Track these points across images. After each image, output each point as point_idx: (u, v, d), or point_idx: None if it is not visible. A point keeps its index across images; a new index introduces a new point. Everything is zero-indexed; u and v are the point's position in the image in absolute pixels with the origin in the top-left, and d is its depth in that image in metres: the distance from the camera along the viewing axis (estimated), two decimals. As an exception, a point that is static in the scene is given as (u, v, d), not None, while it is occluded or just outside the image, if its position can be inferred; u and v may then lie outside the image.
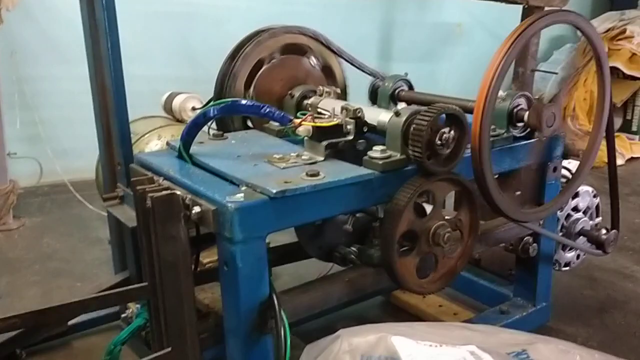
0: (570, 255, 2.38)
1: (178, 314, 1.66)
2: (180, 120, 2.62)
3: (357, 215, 1.96)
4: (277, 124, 2.02)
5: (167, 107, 2.67)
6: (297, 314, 1.58)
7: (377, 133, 1.81)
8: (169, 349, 1.68)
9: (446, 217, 1.76)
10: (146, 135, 2.52)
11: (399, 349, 1.23)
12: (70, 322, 2.19)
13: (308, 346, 1.43)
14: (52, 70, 3.70)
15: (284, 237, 1.91)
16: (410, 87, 2.32)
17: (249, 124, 2.17)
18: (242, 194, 1.50)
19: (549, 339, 1.41)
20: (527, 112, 1.94)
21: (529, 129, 2.01)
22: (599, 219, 2.41)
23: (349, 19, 4.65)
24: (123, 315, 2.01)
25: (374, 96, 2.35)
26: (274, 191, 1.49)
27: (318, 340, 1.41)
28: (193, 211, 1.53)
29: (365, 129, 1.80)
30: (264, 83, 2.09)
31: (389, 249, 1.66)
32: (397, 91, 2.30)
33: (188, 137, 1.78)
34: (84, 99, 3.66)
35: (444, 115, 1.66)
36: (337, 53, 2.24)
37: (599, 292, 2.70)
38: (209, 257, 2.33)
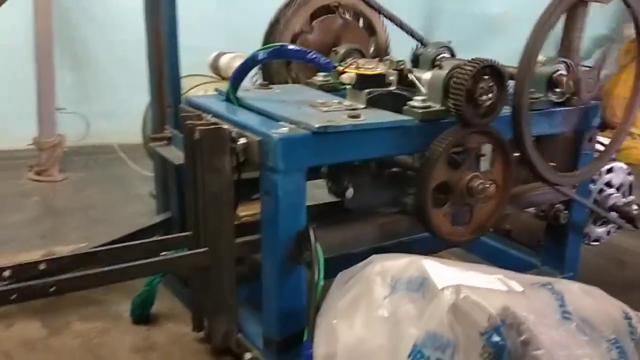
0: (600, 230, 2.40)
1: (218, 243, 1.75)
2: (225, 78, 2.70)
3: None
4: (319, 78, 2.10)
5: (214, 65, 2.76)
6: (331, 249, 1.64)
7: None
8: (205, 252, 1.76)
9: (481, 171, 1.81)
10: (192, 90, 2.62)
11: (429, 270, 1.29)
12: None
13: (341, 273, 1.49)
14: (105, 35, 3.83)
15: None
16: (452, 55, 2.37)
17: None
18: (286, 128, 1.58)
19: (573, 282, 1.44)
20: (566, 77, 1.98)
21: (567, 96, 2.04)
22: (631, 197, 2.43)
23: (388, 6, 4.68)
24: (163, 253, 2.11)
25: (416, 62, 2.40)
26: (317, 126, 1.56)
27: (350, 268, 1.48)
28: (239, 142, 1.62)
29: (407, 80, 1.86)
30: (309, 39, 2.16)
31: (423, 196, 1.71)
32: (439, 57, 2.35)
33: (237, 80, 1.86)
34: (133, 65, 3.79)
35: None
36: (378, 10, 2.30)
37: (627, 273, 2.70)
38: (245, 211, 2.41)
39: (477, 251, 2.49)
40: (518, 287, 1.29)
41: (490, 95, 1.71)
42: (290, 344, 1.62)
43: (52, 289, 1.61)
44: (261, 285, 1.71)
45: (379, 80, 1.83)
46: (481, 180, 1.77)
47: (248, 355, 1.74)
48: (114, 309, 2.06)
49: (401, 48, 2.49)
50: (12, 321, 1.92)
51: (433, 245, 1.96)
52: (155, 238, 1.99)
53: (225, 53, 2.78)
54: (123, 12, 3.61)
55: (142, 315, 2.03)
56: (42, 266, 1.69)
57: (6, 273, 1.65)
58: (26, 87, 3.49)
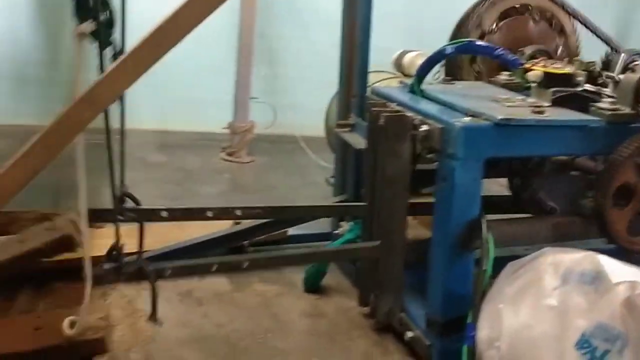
0: None
1: (390, 226, 1.86)
2: (407, 75, 2.81)
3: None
4: (503, 76, 2.13)
5: (398, 63, 2.89)
6: (502, 241, 1.67)
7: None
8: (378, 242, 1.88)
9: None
10: (376, 84, 2.76)
11: (604, 265, 1.28)
12: (289, 233, 2.50)
13: (510, 263, 1.52)
14: (299, 32, 4.15)
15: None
16: (647, 62, 2.26)
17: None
18: (469, 118, 1.65)
19: None
20: None
21: None
22: None
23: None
24: (335, 232, 2.27)
25: (606, 67, 2.32)
26: (499, 117, 1.61)
27: (521, 258, 1.50)
28: (421, 129, 1.71)
29: (596, 82, 1.83)
30: (496, 38, 2.20)
31: (604, 199, 1.68)
32: (632, 64, 2.26)
33: (422, 72, 1.96)
34: (321, 64, 4.03)
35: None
36: (573, 14, 2.26)
37: None
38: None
39: None
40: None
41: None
42: (452, 327, 1.68)
43: (245, 265, 1.87)
44: (424, 272, 1.80)
45: (566, 79, 1.82)
46: (669, 189, 1.69)
47: (410, 334, 1.83)
48: (289, 276, 2.24)
49: (588, 54, 2.42)
50: (204, 275, 2.19)
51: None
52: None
53: (408, 51, 2.90)
54: (320, 11, 3.88)
55: (314, 286, 2.20)
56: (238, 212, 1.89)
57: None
58: (226, 77, 3.91)
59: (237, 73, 3.82)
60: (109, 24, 1.44)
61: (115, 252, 1.65)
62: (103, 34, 1.41)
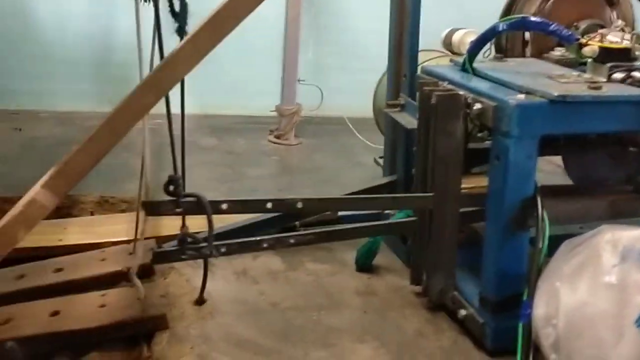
0: None
1: (442, 204, 1.86)
2: (457, 53, 2.78)
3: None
4: (557, 53, 2.09)
5: (447, 41, 2.85)
6: (557, 219, 1.66)
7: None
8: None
9: None
10: (426, 63, 2.74)
11: (668, 242, 1.26)
12: (340, 214, 2.52)
13: (567, 240, 1.51)
14: (342, 20, 4.18)
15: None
16: None
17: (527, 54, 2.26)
18: (523, 95, 1.63)
19: None
20: None
21: None
22: None
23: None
24: (386, 212, 2.28)
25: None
26: (555, 94, 1.59)
27: (578, 236, 1.49)
28: (474, 107, 1.70)
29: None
30: (551, 11, 2.15)
31: (662, 175, 1.65)
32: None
33: (474, 50, 1.95)
34: (366, 49, 4.03)
35: None
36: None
37: None
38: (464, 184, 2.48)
39: None
40: None
41: None
42: (506, 305, 1.68)
43: (292, 241, 1.92)
44: (476, 253, 1.80)
45: (623, 54, 1.78)
46: None
47: (463, 312, 1.84)
48: (340, 256, 2.28)
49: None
50: (258, 255, 2.24)
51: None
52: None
53: (457, 29, 2.86)
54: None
55: (365, 265, 2.22)
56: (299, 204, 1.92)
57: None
58: (274, 61, 3.96)
59: (285, 57, 3.87)
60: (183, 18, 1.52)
61: (182, 238, 1.72)
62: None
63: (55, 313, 1.75)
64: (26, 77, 4.00)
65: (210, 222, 1.73)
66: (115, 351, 1.73)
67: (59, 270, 1.94)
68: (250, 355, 1.70)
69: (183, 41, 1.34)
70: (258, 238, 1.92)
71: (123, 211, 2.53)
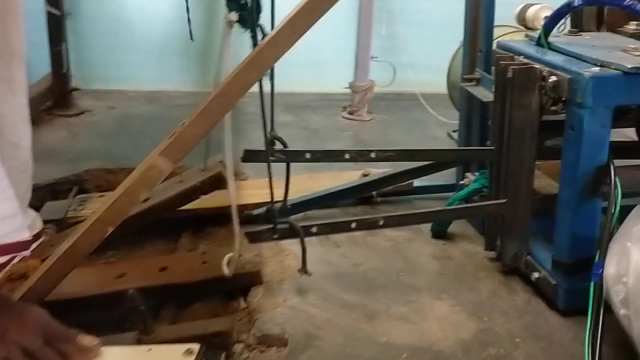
0: None
1: (518, 173, 1.97)
2: (531, 28, 2.83)
3: None
4: (632, 26, 2.13)
5: (521, 17, 2.90)
6: (629, 185, 1.73)
7: None
8: (504, 200, 2.01)
9: None
10: (500, 38, 2.81)
11: None
12: (415, 184, 2.66)
13: (638, 205, 1.59)
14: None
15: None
16: None
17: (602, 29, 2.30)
18: (597, 68, 1.71)
19: None
20: None
21: None
22: None
23: None
24: (461, 182, 2.40)
25: None
26: (629, 66, 1.66)
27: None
28: (549, 80, 1.79)
29: None
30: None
31: None
32: None
33: (550, 25, 2.02)
34: (437, 20, 4.12)
35: None
36: None
37: None
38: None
39: None
40: None
41: None
42: (578, 267, 1.78)
43: (381, 222, 2.03)
44: (550, 220, 1.91)
45: (699, 26, 1.82)
46: None
47: (536, 275, 1.95)
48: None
49: None
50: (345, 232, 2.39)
51: None
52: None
53: (531, 4, 2.90)
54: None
55: (440, 232, 2.35)
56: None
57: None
58: (347, 38, 4.09)
59: (358, 33, 3.99)
60: (256, 11, 1.67)
61: (269, 211, 1.89)
62: (249, 22, 1.65)
63: (163, 269, 1.96)
64: (117, 61, 4.31)
65: (287, 176, 1.86)
66: (215, 303, 1.93)
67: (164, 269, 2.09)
68: (337, 308, 1.88)
69: (281, 23, 1.50)
70: (347, 219, 2.05)
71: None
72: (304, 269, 1.88)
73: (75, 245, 1.60)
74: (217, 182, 2.12)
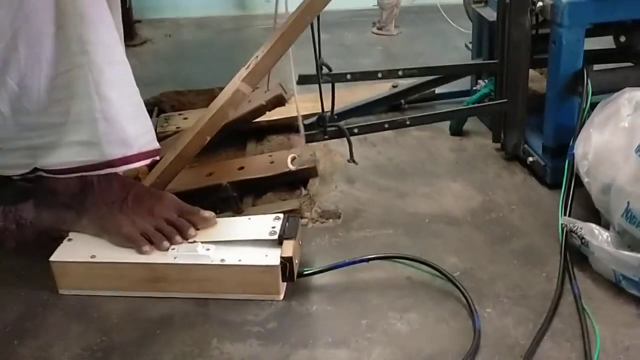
0: None
1: (516, 79, 2.47)
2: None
3: None
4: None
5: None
6: (600, 86, 2.23)
7: None
8: (505, 99, 2.52)
9: None
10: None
11: (662, 97, 1.85)
12: (437, 92, 3.17)
13: (602, 101, 2.10)
14: None
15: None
16: None
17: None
18: (574, -5, 2.18)
19: None
20: None
21: None
22: None
23: None
24: (474, 88, 2.90)
25: None
26: (597, -9, 2.13)
27: (609, 97, 2.08)
28: (537, 4, 2.26)
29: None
30: None
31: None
32: None
33: (541, -45, 2.44)
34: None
35: None
36: None
37: None
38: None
39: None
40: None
41: None
42: (560, 151, 2.30)
43: (408, 122, 2.54)
44: (540, 116, 2.42)
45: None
46: None
47: (530, 159, 2.49)
48: (437, 125, 2.90)
49: None
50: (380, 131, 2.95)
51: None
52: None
53: None
54: None
55: (457, 130, 2.89)
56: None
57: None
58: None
59: (383, -45, 4.35)
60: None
61: (321, 118, 2.40)
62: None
63: (241, 168, 2.54)
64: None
65: (333, 94, 2.39)
66: (282, 192, 2.52)
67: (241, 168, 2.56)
68: (376, 190, 2.46)
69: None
70: (381, 120, 2.51)
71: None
72: (352, 159, 2.37)
73: (184, 150, 2.21)
74: (278, 101, 2.68)
